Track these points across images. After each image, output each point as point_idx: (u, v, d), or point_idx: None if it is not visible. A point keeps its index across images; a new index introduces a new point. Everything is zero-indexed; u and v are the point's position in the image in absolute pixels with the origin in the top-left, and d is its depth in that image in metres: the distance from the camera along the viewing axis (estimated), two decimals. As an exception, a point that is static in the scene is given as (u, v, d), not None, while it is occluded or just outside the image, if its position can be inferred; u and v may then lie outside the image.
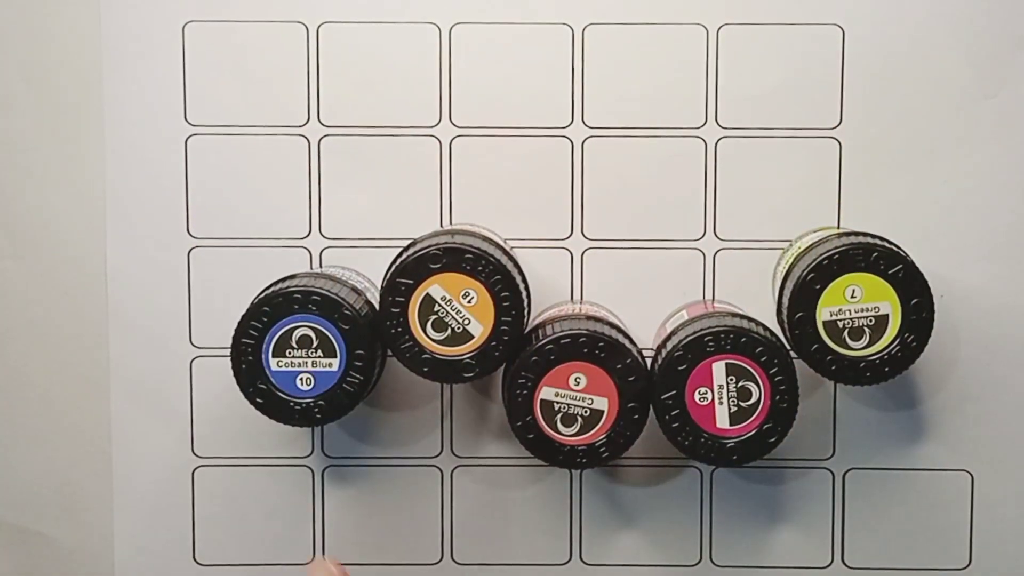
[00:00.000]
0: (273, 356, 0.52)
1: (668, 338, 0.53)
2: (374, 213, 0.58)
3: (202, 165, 0.58)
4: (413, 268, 0.51)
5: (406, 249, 0.52)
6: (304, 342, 0.52)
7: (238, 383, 0.52)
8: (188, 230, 0.58)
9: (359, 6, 0.57)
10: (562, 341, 0.51)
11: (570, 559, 0.59)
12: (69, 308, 0.59)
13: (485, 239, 0.53)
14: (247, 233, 0.58)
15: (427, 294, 0.51)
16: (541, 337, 0.52)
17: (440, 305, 0.51)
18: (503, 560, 0.59)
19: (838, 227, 0.57)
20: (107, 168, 0.58)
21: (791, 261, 0.54)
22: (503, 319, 0.51)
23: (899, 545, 0.59)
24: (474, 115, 0.57)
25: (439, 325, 0.51)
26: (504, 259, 0.52)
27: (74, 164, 0.58)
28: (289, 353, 0.52)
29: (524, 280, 0.53)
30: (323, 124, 0.57)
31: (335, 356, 0.52)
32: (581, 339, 0.51)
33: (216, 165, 0.58)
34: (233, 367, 0.52)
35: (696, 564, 0.59)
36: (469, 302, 0.51)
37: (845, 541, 0.59)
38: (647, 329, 0.57)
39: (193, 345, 0.58)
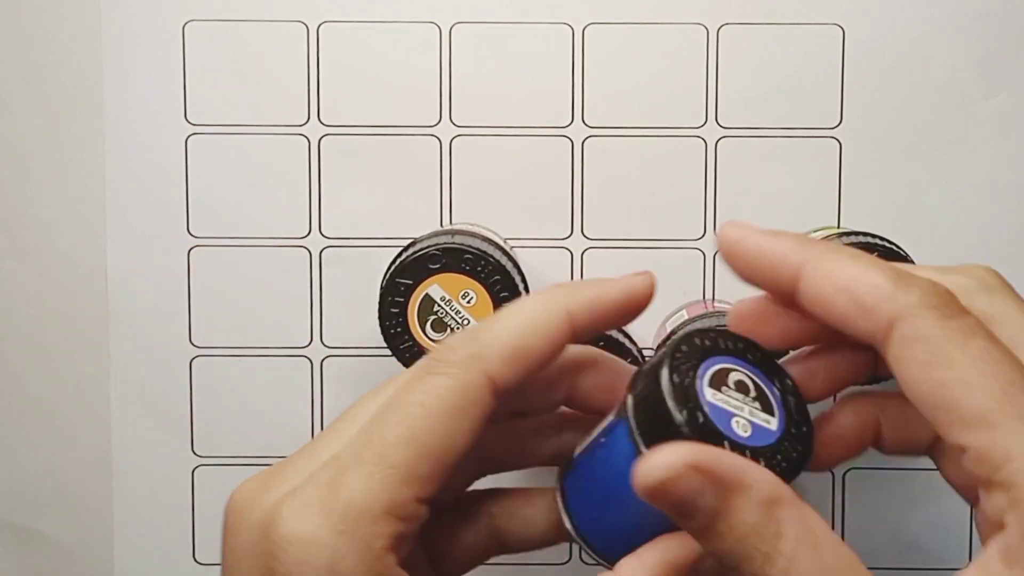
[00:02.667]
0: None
1: (668, 337, 0.53)
2: (374, 213, 0.58)
3: (202, 165, 0.58)
4: (412, 268, 0.51)
5: (406, 249, 0.52)
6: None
7: None
8: (188, 229, 0.58)
9: (359, 6, 0.57)
10: (562, 341, 0.51)
11: (570, 559, 0.59)
12: (69, 308, 0.59)
13: (485, 239, 0.53)
14: (247, 233, 0.58)
15: (426, 294, 0.51)
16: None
17: (439, 305, 0.51)
18: (503, 560, 0.59)
19: (838, 227, 0.57)
20: (107, 168, 0.58)
21: (791, 261, 0.54)
22: None
23: (899, 545, 0.59)
24: (474, 115, 0.57)
25: (438, 325, 0.51)
26: (504, 259, 0.52)
27: (74, 164, 0.58)
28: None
29: (524, 280, 0.53)
30: (323, 124, 0.57)
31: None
32: (581, 339, 0.51)
33: (216, 165, 0.58)
34: None
35: (696, 564, 0.59)
36: (468, 302, 0.51)
37: (845, 541, 0.59)
38: (647, 328, 0.57)
39: (193, 345, 0.58)
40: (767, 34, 0.57)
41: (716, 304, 0.57)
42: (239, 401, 0.58)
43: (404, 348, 0.51)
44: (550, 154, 0.58)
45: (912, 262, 0.51)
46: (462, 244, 0.51)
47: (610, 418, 0.39)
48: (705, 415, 0.36)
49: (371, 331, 0.58)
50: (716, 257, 0.58)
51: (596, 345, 0.51)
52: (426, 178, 0.58)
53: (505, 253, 0.53)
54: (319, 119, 0.58)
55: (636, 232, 0.58)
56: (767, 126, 0.57)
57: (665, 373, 0.36)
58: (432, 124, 0.57)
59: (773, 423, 0.38)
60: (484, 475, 0.42)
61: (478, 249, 0.51)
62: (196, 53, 0.57)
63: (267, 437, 0.59)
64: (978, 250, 0.57)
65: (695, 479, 0.34)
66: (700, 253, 0.58)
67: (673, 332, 0.53)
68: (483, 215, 0.58)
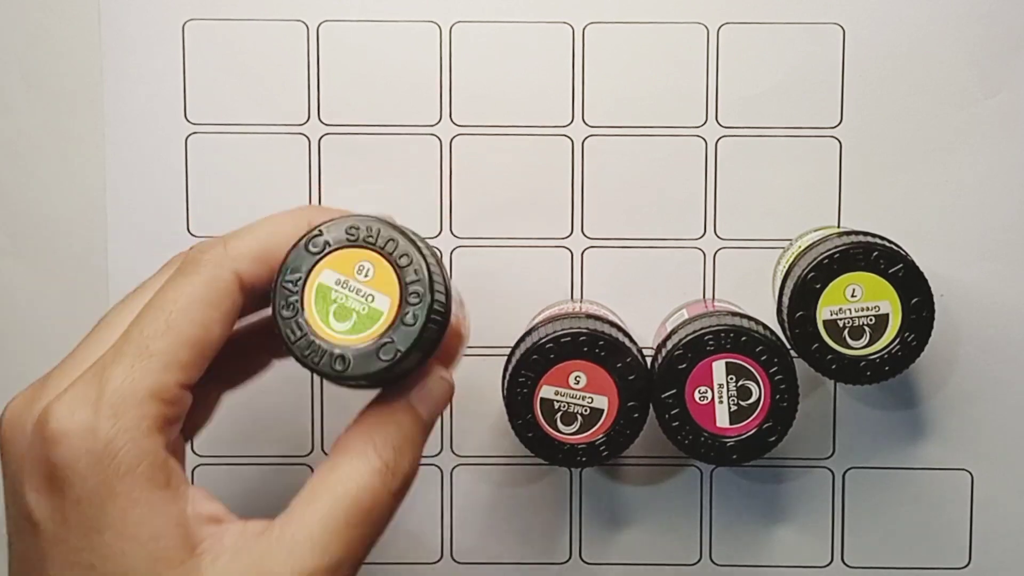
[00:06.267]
0: None
1: (668, 337, 0.53)
2: (374, 212, 0.58)
3: (202, 163, 0.58)
4: (296, 260, 0.42)
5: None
6: None
7: None
8: (188, 229, 0.58)
9: (359, 4, 0.57)
10: (562, 340, 0.51)
11: (570, 558, 0.59)
12: (70, 307, 0.58)
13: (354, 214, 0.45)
14: (247, 232, 0.58)
15: (319, 284, 0.42)
16: (541, 335, 0.52)
17: (337, 291, 0.42)
18: (503, 560, 0.59)
19: (838, 227, 0.57)
20: (108, 167, 0.58)
21: (791, 260, 0.54)
22: (410, 284, 0.42)
23: (899, 544, 0.59)
24: (474, 114, 0.57)
25: (343, 313, 0.42)
26: (384, 222, 0.43)
27: (74, 163, 0.58)
28: None
29: (420, 240, 0.44)
30: (323, 123, 0.57)
31: None
32: (581, 338, 0.51)
33: (216, 163, 0.58)
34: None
35: (696, 563, 0.59)
36: (367, 276, 0.42)
37: (845, 540, 0.59)
38: (647, 328, 0.57)
39: (193, 344, 0.58)
40: (767, 34, 0.57)
41: (716, 304, 0.57)
42: (239, 400, 0.58)
43: (310, 355, 0.42)
44: (550, 154, 0.58)
45: (912, 262, 0.51)
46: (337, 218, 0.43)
47: None
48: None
49: (371, 331, 0.58)
50: (716, 257, 0.58)
51: (597, 344, 0.51)
52: (426, 178, 0.58)
53: (382, 219, 0.44)
54: (319, 118, 0.58)
55: (636, 232, 0.58)
56: (767, 126, 0.57)
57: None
58: (432, 124, 0.57)
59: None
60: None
61: (357, 216, 0.43)
62: (196, 52, 0.57)
63: (267, 436, 0.59)
64: (978, 250, 0.57)
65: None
66: (700, 253, 0.58)
67: (673, 331, 0.53)
68: (483, 215, 0.58)
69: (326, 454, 0.58)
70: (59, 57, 0.58)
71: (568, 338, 0.51)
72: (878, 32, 0.57)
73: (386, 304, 0.41)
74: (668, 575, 0.59)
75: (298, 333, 0.41)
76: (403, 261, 0.42)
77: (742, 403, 0.52)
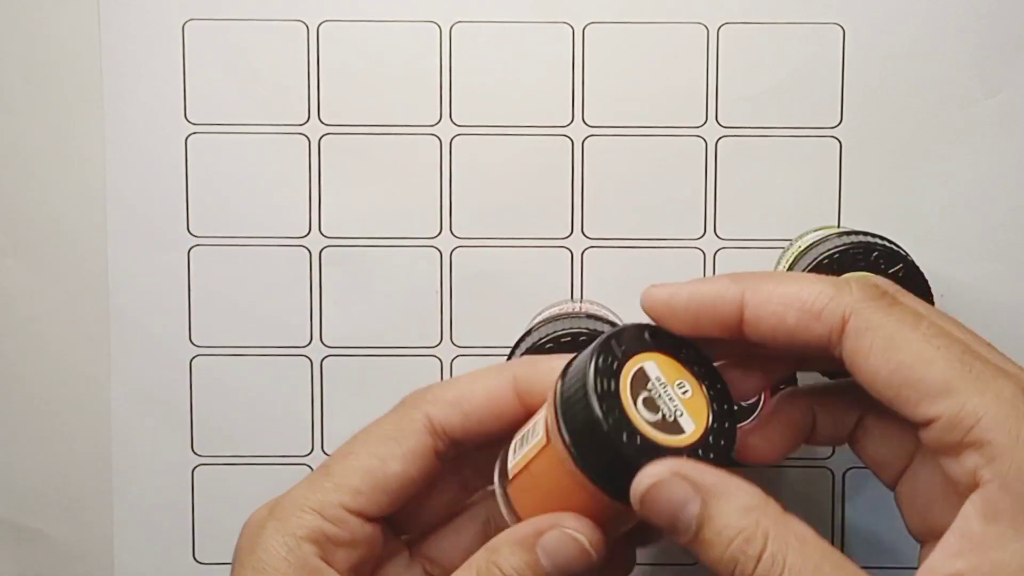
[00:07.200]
0: None
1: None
2: (374, 212, 0.58)
3: (202, 164, 0.58)
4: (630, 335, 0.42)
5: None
6: None
7: None
8: (188, 229, 0.58)
9: (359, 5, 0.57)
10: (562, 340, 0.51)
11: (570, 559, 0.59)
12: (69, 307, 0.59)
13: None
14: (247, 232, 0.58)
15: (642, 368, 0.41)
16: (541, 335, 0.51)
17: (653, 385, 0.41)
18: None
19: (838, 227, 0.57)
20: (107, 167, 0.58)
21: (791, 260, 0.54)
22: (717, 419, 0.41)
23: (899, 544, 0.59)
24: (474, 114, 0.57)
25: (651, 404, 0.40)
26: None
27: (74, 163, 0.58)
28: None
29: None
30: (323, 123, 0.57)
31: None
32: (581, 338, 0.51)
33: (216, 164, 0.58)
34: None
35: (696, 563, 0.59)
36: (684, 394, 0.41)
37: (845, 541, 0.59)
38: (647, 328, 0.57)
39: (193, 344, 0.58)
40: (767, 34, 0.57)
41: (716, 304, 0.56)
42: (239, 401, 0.58)
43: (609, 412, 0.40)
44: (550, 154, 0.58)
45: (912, 262, 0.51)
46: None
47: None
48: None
49: (371, 331, 0.58)
50: (716, 257, 0.58)
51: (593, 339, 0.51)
52: (426, 178, 0.58)
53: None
54: (319, 118, 0.58)
55: (636, 232, 0.58)
56: (767, 126, 0.57)
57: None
58: (432, 123, 0.58)
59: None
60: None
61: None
62: (196, 53, 0.57)
63: (267, 437, 0.59)
64: (977, 249, 0.57)
65: (681, 486, 0.37)
66: (700, 253, 0.58)
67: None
68: (483, 215, 0.58)
69: (326, 454, 0.58)
70: (59, 57, 0.58)
71: (568, 338, 0.51)
72: (878, 32, 0.57)
73: (690, 428, 0.39)
74: (667, 574, 0.59)
75: (606, 388, 0.38)
76: (718, 394, 0.41)
77: (742, 404, 0.51)
